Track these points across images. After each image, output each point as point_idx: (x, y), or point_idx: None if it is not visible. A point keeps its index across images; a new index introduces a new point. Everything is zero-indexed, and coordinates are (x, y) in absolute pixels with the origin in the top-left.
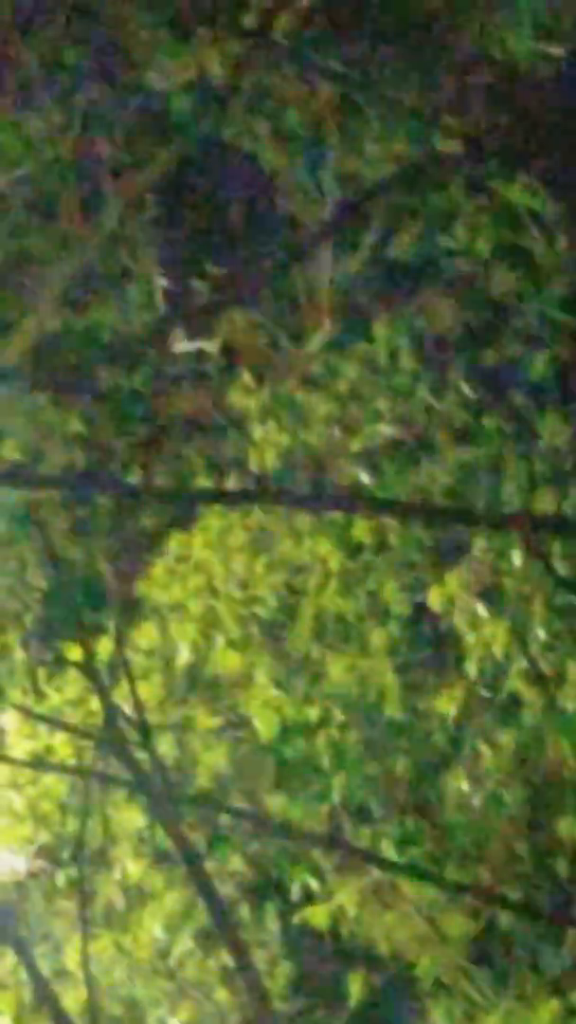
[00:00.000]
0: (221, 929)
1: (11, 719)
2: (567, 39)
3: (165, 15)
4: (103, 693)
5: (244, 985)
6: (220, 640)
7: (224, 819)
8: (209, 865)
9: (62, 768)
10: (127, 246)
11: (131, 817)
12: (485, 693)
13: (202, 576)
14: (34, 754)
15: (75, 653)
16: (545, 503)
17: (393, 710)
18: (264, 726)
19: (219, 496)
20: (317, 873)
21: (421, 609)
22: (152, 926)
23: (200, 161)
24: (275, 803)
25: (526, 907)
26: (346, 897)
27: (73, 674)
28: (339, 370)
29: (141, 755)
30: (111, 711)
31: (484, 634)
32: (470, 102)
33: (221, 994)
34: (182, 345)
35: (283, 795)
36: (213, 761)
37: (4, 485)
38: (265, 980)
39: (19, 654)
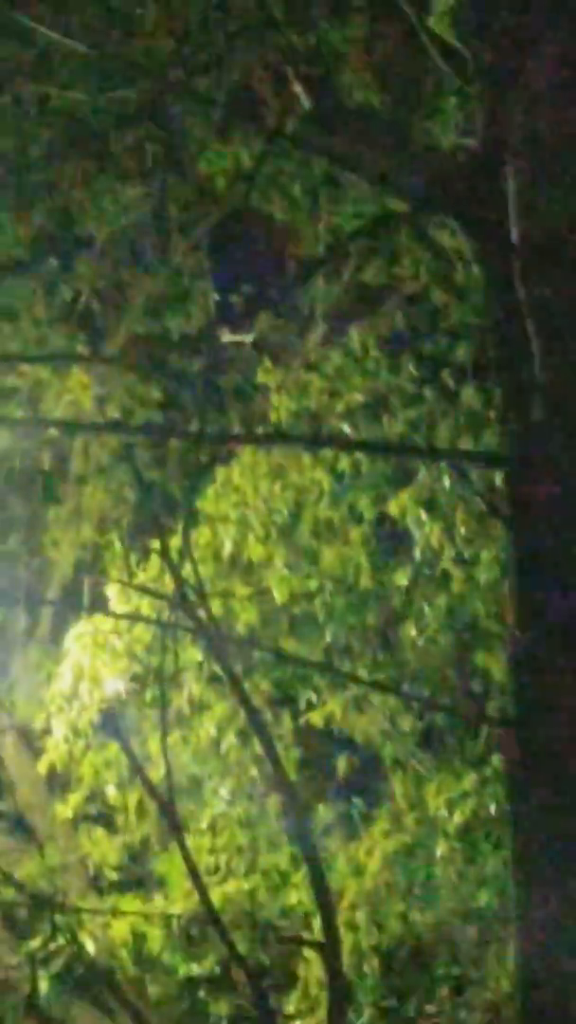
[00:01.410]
0: (255, 727)
1: (112, 590)
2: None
3: (211, 122)
4: (175, 572)
5: (269, 764)
6: (251, 537)
7: (255, 655)
8: (247, 685)
9: (148, 621)
10: (189, 275)
11: (193, 654)
12: (426, 571)
13: (239, 495)
14: (128, 613)
15: (156, 545)
16: (466, 444)
17: (366, 582)
18: (279, 593)
19: (251, 438)
20: (316, 689)
21: (385, 515)
22: (208, 726)
23: (236, 218)
24: (289, 644)
25: (455, 710)
26: (335, 705)
27: (154, 560)
28: (329, 358)
29: (200, 613)
30: (180, 583)
31: (425, 532)
32: (415, 177)
33: (253, 771)
34: (227, 337)
35: (294, 639)
36: (247, 617)
37: (109, 433)
38: (283, 761)
39: (118, 546)
